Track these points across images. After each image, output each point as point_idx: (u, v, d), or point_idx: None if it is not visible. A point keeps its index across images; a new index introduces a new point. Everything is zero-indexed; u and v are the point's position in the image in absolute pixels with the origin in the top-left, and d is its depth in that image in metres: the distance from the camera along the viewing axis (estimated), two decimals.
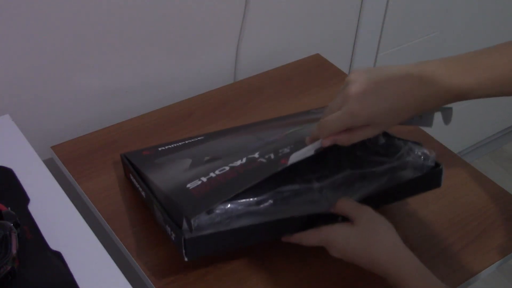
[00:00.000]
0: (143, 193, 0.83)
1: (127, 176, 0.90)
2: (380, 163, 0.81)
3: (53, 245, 0.70)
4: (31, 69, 0.94)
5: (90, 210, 0.87)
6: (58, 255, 0.69)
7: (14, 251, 0.64)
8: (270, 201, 0.75)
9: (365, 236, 0.71)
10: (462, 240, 0.85)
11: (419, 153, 0.83)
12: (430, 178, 0.84)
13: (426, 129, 1.06)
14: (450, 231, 0.87)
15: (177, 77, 1.12)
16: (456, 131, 1.98)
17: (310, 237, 0.75)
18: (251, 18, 1.13)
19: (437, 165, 0.84)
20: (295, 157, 0.73)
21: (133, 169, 0.86)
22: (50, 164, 0.91)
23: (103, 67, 1.01)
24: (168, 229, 0.75)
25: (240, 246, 0.76)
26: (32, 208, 0.75)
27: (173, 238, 0.74)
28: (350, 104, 0.66)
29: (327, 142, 0.69)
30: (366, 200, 0.77)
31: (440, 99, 0.66)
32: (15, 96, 0.94)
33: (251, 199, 0.75)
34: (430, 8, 1.49)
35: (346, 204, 0.75)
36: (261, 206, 0.75)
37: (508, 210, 0.91)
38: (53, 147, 0.95)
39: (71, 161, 0.93)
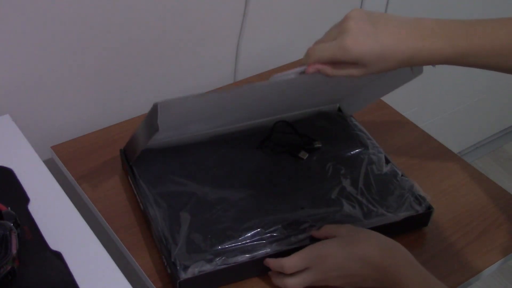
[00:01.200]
0: (140, 204, 0.84)
1: (124, 169, 0.91)
2: (369, 212, 0.83)
3: (53, 245, 0.70)
4: (31, 69, 0.94)
5: (90, 210, 0.87)
6: (58, 255, 0.69)
7: (14, 251, 0.64)
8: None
9: (355, 239, 0.74)
10: (462, 240, 0.85)
11: (413, 199, 0.85)
12: (419, 219, 0.85)
13: (427, 129, 1.06)
14: (450, 231, 0.87)
15: (177, 77, 1.12)
16: (456, 131, 1.98)
17: (303, 257, 0.75)
18: (251, 18, 1.13)
19: (428, 207, 0.85)
20: (276, 77, 0.72)
21: (129, 166, 0.88)
22: (50, 164, 0.91)
23: (102, 67, 1.01)
24: (164, 261, 0.76)
25: (233, 281, 0.77)
26: (32, 208, 0.75)
27: (168, 271, 0.76)
28: (344, 38, 0.65)
29: (311, 69, 0.68)
30: None
31: (431, 56, 0.66)
32: (15, 96, 0.94)
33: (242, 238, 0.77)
34: (430, 8, 1.49)
35: (328, 227, 0.78)
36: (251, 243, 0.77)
37: (508, 210, 0.91)
38: (53, 147, 0.95)
39: (71, 161, 0.93)
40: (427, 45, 0.65)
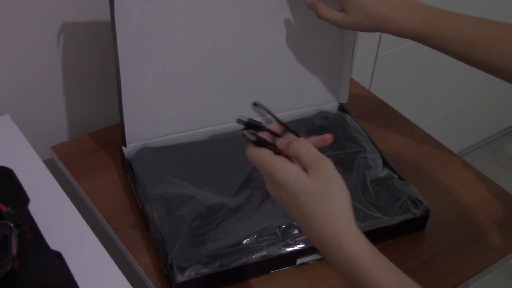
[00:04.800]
0: (139, 204, 0.84)
1: (124, 168, 0.91)
2: (365, 216, 0.82)
3: (53, 245, 0.70)
4: (31, 69, 0.94)
5: (90, 210, 0.87)
6: (58, 255, 0.69)
7: (14, 251, 0.64)
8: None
9: (319, 195, 0.55)
10: (462, 240, 0.85)
11: (411, 202, 0.84)
12: (417, 222, 0.85)
13: (427, 129, 1.06)
14: (449, 231, 0.87)
15: None
16: (456, 131, 1.98)
17: (255, 156, 0.61)
18: None
19: (426, 210, 0.84)
20: None
21: (128, 165, 0.88)
22: (50, 164, 0.91)
23: (102, 67, 1.01)
24: (162, 263, 0.76)
25: (229, 284, 0.77)
26: (32, 208, 0.75)
27: (165, 273, 0.76)
28: None
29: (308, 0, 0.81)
30: None
31: (405, 28, 0.78)
32: (15, 96, 0.94)
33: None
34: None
35: (304, 148, 0.57)
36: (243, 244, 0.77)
37: (508, 210, 0.91)
38: (53, 147, 0.95)
39: (71, 161, 0.93)
40: (404, 18, 0.76)
